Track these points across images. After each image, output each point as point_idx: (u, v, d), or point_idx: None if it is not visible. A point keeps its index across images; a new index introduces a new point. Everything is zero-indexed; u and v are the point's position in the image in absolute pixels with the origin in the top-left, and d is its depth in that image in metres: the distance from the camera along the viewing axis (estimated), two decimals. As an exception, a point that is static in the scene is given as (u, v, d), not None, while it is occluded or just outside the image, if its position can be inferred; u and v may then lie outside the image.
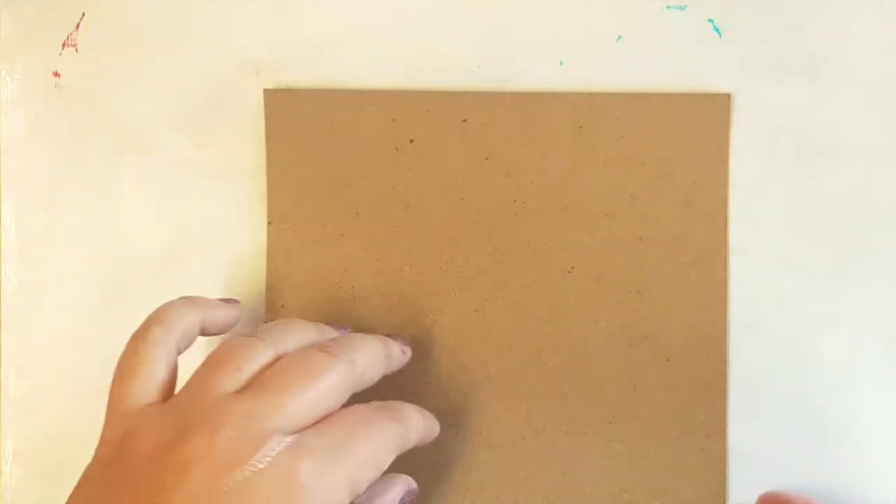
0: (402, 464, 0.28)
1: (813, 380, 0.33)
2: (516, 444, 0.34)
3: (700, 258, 0.33)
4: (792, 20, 0.34)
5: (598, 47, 0.34)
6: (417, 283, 0.34)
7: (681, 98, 0.34)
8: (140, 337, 0.29)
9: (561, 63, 0.34)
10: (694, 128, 0.34)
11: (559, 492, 0.33)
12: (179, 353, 0.29)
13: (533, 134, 0.34)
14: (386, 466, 0.28)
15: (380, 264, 0.34)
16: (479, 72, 0.35)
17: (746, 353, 0.33)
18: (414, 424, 0.29)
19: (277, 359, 0.28)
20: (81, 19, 0.36)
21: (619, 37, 0.34)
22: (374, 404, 0.29)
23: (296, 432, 0.26)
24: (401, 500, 0.29)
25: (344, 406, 0.28)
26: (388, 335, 0.32)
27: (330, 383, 0.27)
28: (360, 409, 0.28)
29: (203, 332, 0.30)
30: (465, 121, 0.34)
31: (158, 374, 0.28)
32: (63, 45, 0.36)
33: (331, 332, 0.31)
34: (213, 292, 0.35)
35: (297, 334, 0.29)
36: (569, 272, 0.34)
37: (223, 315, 0.31)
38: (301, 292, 0.35)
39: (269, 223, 0.35)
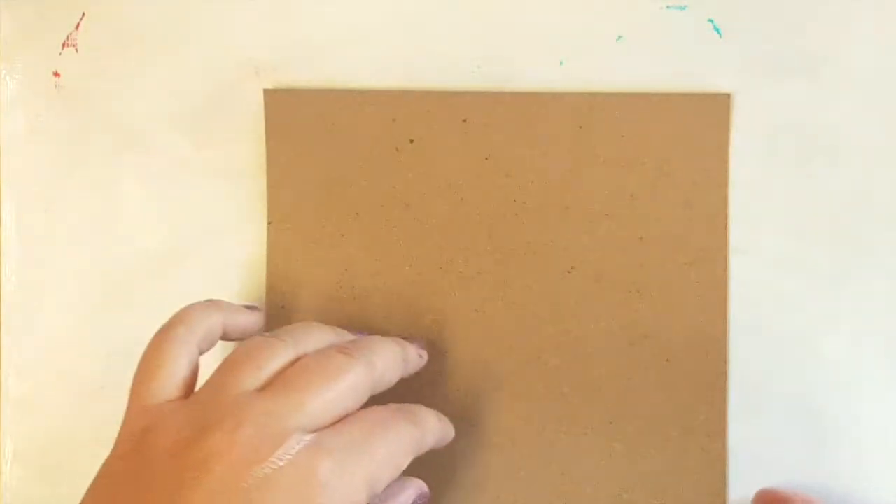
0: (402, 464, 0.28)
1: (813, 380, 0.33)
2: (516, 444, 0.34)
3: (700, 258, 0.33)
4: (792, 20, 0.34)
5: (598, 47, 0.34)
6: (417, 283, 0.34)
7: (681, 98, 0.34)
8: (164, 335, 0.29)
9: (561, 63, 0.34)
10: (694, 128, 0.34)
11: (559, 492, 0.33)
12: (201, 353, 0.29)
13: (533, 134, 0.34)
14: (403, 468, 0.28)
15: (380, 264, 0.34)
16: (479, 72, 0.35)
17: (746, 353, 0.33)
18: (431, 428, 0.30)
19: (297, 359, 0.28)
20: (81, 19, 0.36)
21: (619, 37, 0.34)
22: (392, 406, 0.29)
23: (314, 432, 0.26)
24: (413, 503, 0.29)
25: (361, 408, 0.28)
26: (404, 338, 0.32)
27: (349, 384, 0.27)
28: (378, 411, 0.28)
29: (224, 336, 0.31)
30: (465, 121, 0.34)
31: (180, 372, 0.28)
32: (63, 45, 0.36)
33: (349, 336, 0.31)
34: (213, 292, 0.35)
35: (317, 336, 0.29)
36: (569, 272, 0.34)
37: (245, 320, 0.32)
38: (301, 292, 0.35)
39: (269, 223, 0.35)
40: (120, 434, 0.28)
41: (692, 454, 0.33)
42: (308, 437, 0.26)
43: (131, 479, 0.26)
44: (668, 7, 0.34)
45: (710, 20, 0.34)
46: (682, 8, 0.34)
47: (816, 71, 0.33)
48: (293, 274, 0.35)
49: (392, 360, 0.30)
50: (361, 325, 0.34)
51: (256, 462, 0.25)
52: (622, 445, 0.33)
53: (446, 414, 0.31)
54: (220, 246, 0.36)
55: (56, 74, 0.36)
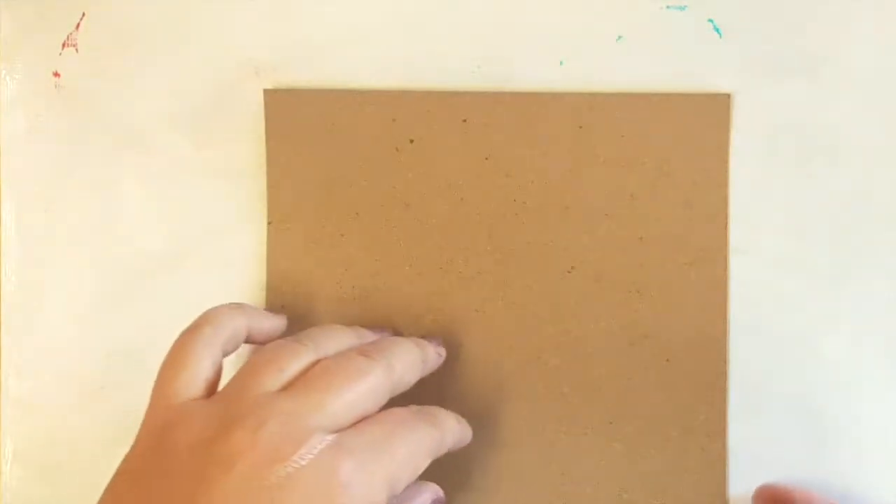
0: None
1: (813, 380, 0.33)
2: (516, 444, 0.34)
3: (700, 258, 0.33)
4: (792, 20, 0.34)
5: (598, 47, 0.34)
6: (417, 283, 0.34)
7: (681, 98, 0.34)
8: (190, 334, 0.29)
9: (561, 63, 0.34)
10: (694, 128, 0.34)
11: (559, 492, 0.33)
12: (225, 355, 0.30)
13: (533, 134, 0.34)
14: (422, 469, 0.28)
15: (380, 264, 0.34)
16: (479, 72, 0.35)
17: (746, 353, 0.33)
18: (450, 429, 0.30)
19: (317, 362, 0.28)
20: (81, 19, 0.36)
21: (619, 37, 0.34)
22: (412, 408, 0.29)
23: (335, 432, 0.26)
24: None
25: (381, 410, 0.28)
26: (422, 337, 0.33)
27: (369, 385, 0.28)
28: (398, 412, 0.28)
29: (248, 339, 0.31)
30: (465, 121, 0.34)
31: (204, 372, 0.28)
32: (63, 45, 0.36)
33: (369, 336, 0.31)
34: (213, 292, 0.35)
35: (337, 339, 0.30)
36: (569, 272, 0.34)
37: (269, 324, 0.32)
38: (301, 292, 0.35)
39: (269, 223, 0.35)
40: (141, 430, 0.28)
41: (692, 454, 0.33)
42: (330, 438, 0.26)
43: (152, 475, 0.26)
44: (668, 7, 0.34)
45: (710, 20, 0.34)
46: (682, 8, 0.34)
47: (816, 71, 0.33)
48: (293, 274, 0.35)
49: (411, 361, 0.30)
50: (362, 325, 0.34)
51: (279, 461, 0.25)
52: (622, 445, 0.33)
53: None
54: (220, 246, 0.36)
55: (56, 74, 0.36)
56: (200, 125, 0.36)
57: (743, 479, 0.33)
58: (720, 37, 0.34)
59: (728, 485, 0.33)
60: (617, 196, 0.34)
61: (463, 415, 0.32)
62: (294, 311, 0.34)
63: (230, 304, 0.31)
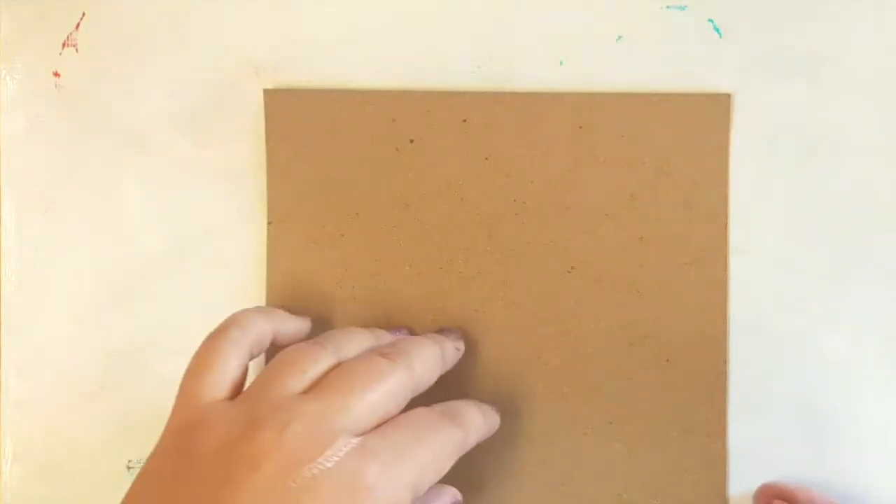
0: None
1: (813, 380, 0.33)
2: (516, 444, 0.34)
3: (700, 258, 0.33)
4: (792, 20, 0.34)
5: (598, 47, 0.34)
6: (417, 283, 0.34)
7: (681, 98, 0.34)
8: (218, 336, 0.29)
9: (561, 63, 0.34)
10: (694, 128, 0.34)
11: (559, 492, 0.33)
12: (251, 357, 0.30)
13: (533, 134, 0.34)
14: (446, 471, 0.28)
15: (380, 264, 0.34)
16: (479, 72, 0.35)
17: (746, 353, 0.33)
18: (474, 427, 0.30)
19: (338, 364, 0.28)
20: (81, 19, 0.36)
21: (619, 37, 0.34)
22: (436, 408, 0.29)
23: (359, 435, 0.26)
24: None
25: (403, 410, 0.28)
26: (439, 331, 0.33)
27: (390, 387, 0.28)
28: (421, 414, 0.28)
29: (274, 342, 0.31)
30: (465, 121, 0.34)
31: (230, 373, 0.28)
32: (63, 45, 0.36)
33: (387, 337, 0.32)
34: (213, 292, 0.35)
35: (357, 341, 0.30)
36: (569, 272, 0.34)
37: (294, 326, 0.32)
38: (301, 292, 0.35)
39: (269, 223, 0.35)
40: (166, 430, 0.28)
41: (692, 454, 0.33)
42: (355, 441, 0.26)
43: (178, 476, 0.26)
44: (668, 7, 0.34)
45: (710, 20, 0.34)
46: (682, 8, 0.34)
47: (816, 71, 0.33)
48: (293, 274, 0.35)
49: (431, 361, 0.30)
50: (362, 325, 0.34)
51: (305, 462, 0.25)
52: (622, 445, 0.33)
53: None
54: (220, 246, 0.36)
55: (56, 74, 0.36)
56: (200, 125, 0.36)
57: (743, 479, 0.33)
58: (720, 37, 0.34)
59: (728, 485, 0.33)
60: (617, 196, 0.34)
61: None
62: (294, 311, 0.34)
63: (256, 307, 0.31)
